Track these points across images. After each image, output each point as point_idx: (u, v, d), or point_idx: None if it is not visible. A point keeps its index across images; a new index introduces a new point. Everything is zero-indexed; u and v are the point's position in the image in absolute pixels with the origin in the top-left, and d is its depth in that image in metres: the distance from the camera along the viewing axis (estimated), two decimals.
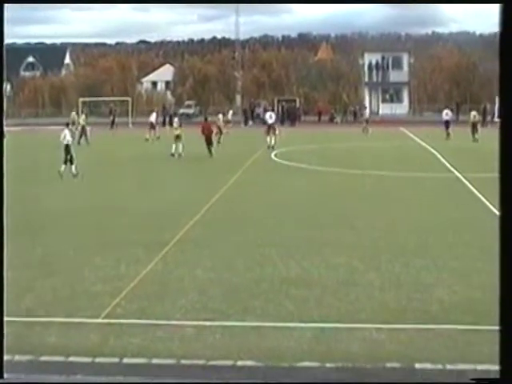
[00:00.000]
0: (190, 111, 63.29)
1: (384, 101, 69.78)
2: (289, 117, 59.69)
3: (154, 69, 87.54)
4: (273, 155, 29.52)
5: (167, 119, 50.42)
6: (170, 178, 23.01)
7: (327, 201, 17.73)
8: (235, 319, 8.28)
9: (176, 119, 33.22)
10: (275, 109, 57.62)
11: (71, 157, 22.36)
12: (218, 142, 35.82)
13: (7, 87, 68.31)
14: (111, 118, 55.42)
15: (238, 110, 63.19)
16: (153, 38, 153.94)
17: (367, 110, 54.62)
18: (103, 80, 76.86)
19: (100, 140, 38.12)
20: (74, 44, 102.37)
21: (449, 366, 6.76)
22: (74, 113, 42.55)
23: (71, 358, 7.06)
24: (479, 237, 12.57)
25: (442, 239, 12.72)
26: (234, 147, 33.56)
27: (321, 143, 36.96)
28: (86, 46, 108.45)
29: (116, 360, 7.02)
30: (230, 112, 51.46)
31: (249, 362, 6.94)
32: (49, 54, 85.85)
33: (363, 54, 72.60)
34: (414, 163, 26.74)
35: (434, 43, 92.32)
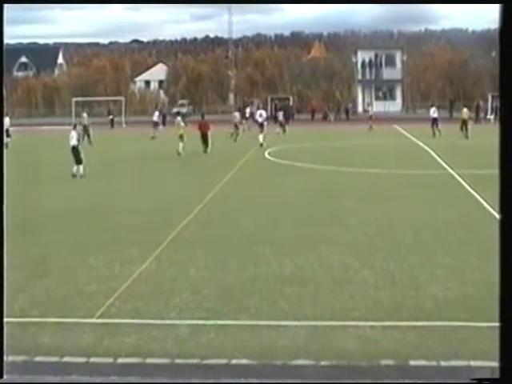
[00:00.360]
0: (184, 110, 63.36)
1: (377, 98, 69.91)
2: (283, 115, 59.71)
3: (147, 68, 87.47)
4: (266, 154, 29.51)
5: (161, 119, 50.49)
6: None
7: (322, 199, 17.72)
8: (229, 318, 8.27)
9: (179, 118, 33.29)
10: (268, 107, 57.65)
11: (79, 158, 22.67)
12: (235, 141, 36.13)
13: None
14: (111, 117, 55.48)
15: (232, 108, 63.18)
16: (146, 38, 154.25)
17: (371, 108, 54.47)
18: (96, 80, 76.85)
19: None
20: (66, 44, 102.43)
21: (443, 363, 6.76)
22: (85, 114, 42.20)
23: (66, 359, 7.05)
24: (473, 233, 12.56)
25: (436, 236, 12.73)
26: (227, 145, 33.66)
27: (314, 141, 36.96)
28: (78, 46, 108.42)
29: (110, 360, 7.01)
30: (248, 109, 51.31)
31: (243, 361, 6.94)
32: (42, 54, 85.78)
33: (356, 52, 72.75)
34: (407, 161, 26.80)
35: (427, 40, 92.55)
